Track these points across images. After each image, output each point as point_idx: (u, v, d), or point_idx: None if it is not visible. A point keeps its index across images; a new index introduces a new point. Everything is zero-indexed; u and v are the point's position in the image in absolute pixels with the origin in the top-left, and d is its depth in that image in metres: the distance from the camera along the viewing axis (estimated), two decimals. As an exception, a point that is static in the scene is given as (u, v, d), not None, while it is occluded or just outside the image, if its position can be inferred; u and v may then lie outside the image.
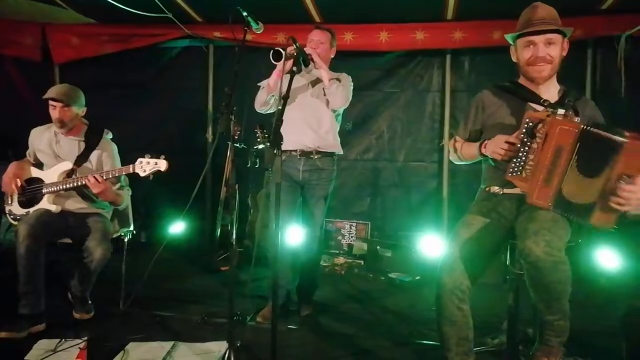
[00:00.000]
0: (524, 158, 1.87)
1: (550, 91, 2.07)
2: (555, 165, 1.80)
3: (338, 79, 2.78)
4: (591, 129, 1.77)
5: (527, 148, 1.86)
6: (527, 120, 1.86)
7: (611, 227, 1.80)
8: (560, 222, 1.82)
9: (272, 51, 2.56)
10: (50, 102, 2.70)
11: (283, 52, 2.51)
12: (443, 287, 1.91)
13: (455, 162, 2.31)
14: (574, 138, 1.77)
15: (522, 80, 2.12)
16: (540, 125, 1.82)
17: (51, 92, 2.71)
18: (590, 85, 4.14)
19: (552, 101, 2.01)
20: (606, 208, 1.75)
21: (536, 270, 1.71)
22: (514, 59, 2.11)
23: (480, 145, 2.04)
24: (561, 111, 1.85)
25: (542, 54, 1.97)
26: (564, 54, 2.03)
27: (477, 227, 2.01)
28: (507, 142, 1.90)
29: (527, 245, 1.72)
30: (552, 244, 1.70)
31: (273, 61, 2.59)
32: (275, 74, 2.71)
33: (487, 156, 2.03)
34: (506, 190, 2.05)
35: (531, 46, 1.99)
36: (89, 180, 2.54)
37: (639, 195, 1.68)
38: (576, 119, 1.83)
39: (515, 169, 1.89)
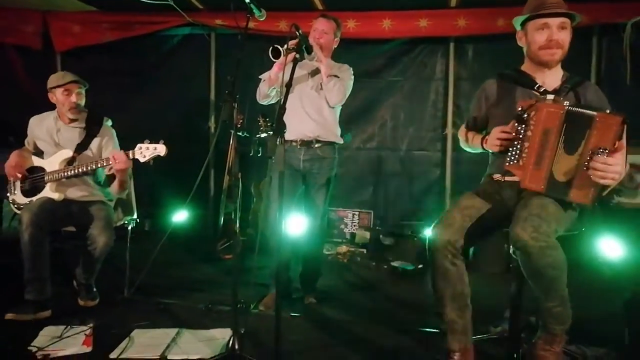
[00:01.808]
0: (519, 146, 1.89)
1: (556, 76, 2.07)
2: (544, 148, 1.83)
3: (336, 75, 2.75)
4: (573, 108, 1.79)
5: (522, 136, 1.88)
6: (519, 108, 1.89)
7: (589, 203, 1.82)
8: (550, 207, 1.82)
9: (270, 49, 2.54)
10: (66, 87, 2.70)
11: (282, 49, 2.49)
12: (437, 241, 1.89)
13: (466, 149, 2.32)
14: (560, 119, 1.80)
15: (526, 66, 2.12)
16: (532, 112, 1.84)
17: (66, 76, 2.73)
18: (596, 73, 4.12)
19: (555, 87, 2.02)
20: (584, 183, 1.78)
21: (526, 256, 1.72)
22: (521, 44, 2.09)
23: (482, 141, 2.07)
24: (550, 97, 1.87)
25: (556, 37, 1.96)
26: (570, 39, 2.02)
27: (480, 199, 2.02)
28: (501, 132, 1.93)
29: (516, 231, 1.73)
30: (539, 230, 1.70)
31: (272, 59, 2.57)
32: (276, 67, 2.68)
33: (486, 149, 2.06)
34: (507, 178, 2.05)
35: (545, 29, 1.97)
36: (114, 158, 2.52)
37: (615, 168, 1.70)
38: (565, 102, 1.83)
39: (513, 158, 1.91)
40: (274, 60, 2.58)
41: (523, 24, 2.04)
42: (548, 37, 1.96)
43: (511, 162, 1.91)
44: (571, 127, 1.80)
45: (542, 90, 1.99)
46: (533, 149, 1.84)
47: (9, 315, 2.43)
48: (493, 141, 1.98)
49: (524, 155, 1.88)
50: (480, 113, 2.20)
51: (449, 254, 1.88)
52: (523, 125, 1.87)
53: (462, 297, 1.91)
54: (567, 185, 1.82)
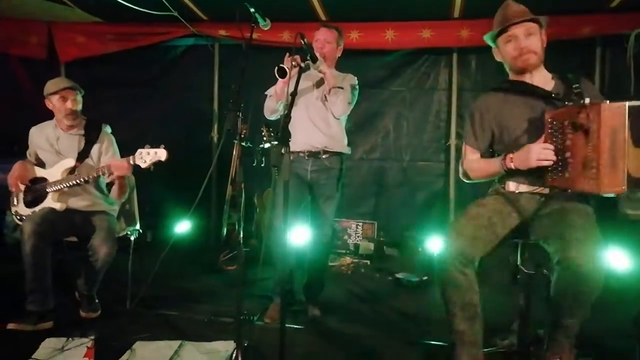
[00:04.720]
0: (561, 158, 1.83)
1: (546, 80, 2.06)
2: (615, 147, 1.73)
3: (341, 87, 2.74)
4: (635, 103, 1.75)
5: (562, 147, 1.82)
6: (550, 119, 1.84)
7: None
8: (595, 227, 1.83)
9: (276, 69, 2.54)
10: (61, 94, 2.70)
11: (287, 69, 2.48)
12: (447, 251, 1.88)
13: (466, 181, 2.22)
14: (625, 116, 1.73)
15: (513, 77, 2.12)
16: (577, 119, 1.76)
17: (60, 83, 2.73)
18: (599, 84, 4.12)
19: (549, 89, 2.01)
20: None
21: (576, 278, 1.69)
22: (499, 59, 2.14)
23: (505, 161, 1.98)
24: (587, 100, 1.81)
25: (524, 44, 2.00)
26: (544, 45, 2.05)
27: (490, 209, 1.99)
28: (546, 148, 1.85)
29: (571, 255, 1.70)
30: (595, 254, 1.70)
31: (279, 78, 2.57)
32: (281, 82, 2.68)
33: (513, 169, 1.97)
34: (522, 189, 2.02)
35: (513, 40, 2.02)
36: (114, 167, 2.52)
37: None
38: (607, 101, 1.79)
39: (556, 172, 1.85)
40: (280, 79, 2.58)
41: (496, 41, 2.09)
42: (517, 46, 2.01)
43: (555, 176, 1.85)
44: (635, 121, 1.73)
45: (560, 96, 1.95)
46: (604, 152, 1.73)
47: (10, 325, 2.41)
48: (540, 156, 1.85)
49: (568, 166, 1.81)
50: (482, 128, 2.13)
51: (459, 263, 1.85)
52: (559, 136, 1.82)
53: (472, 306, 1.88)
54: None
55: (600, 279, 1.69)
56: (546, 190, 1.97)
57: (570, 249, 1.71)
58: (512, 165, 1.96)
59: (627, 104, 1.75)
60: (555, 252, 1.78)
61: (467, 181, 2.23)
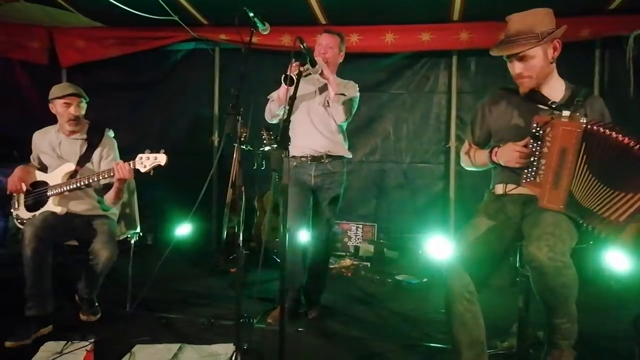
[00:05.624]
0: (535, 163, 1.86)
1: (555, 89, 2.05)
2: (562, 167, 1.78)
3: (344, 94, 2.75)
4: (596, 127, 1.76)
5: (538, 153, 1.85)
6: (535, 124, 1.86)
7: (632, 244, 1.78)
8: (563, 225, 1.80)
9: (283, 77, 2.54)
10: (65, 100, 2.70)
11: (294, 77, 2.49)
12: (451, 290, 1.88)
13: (467, 169, 2.29)
14: (577, 138, 1.76)
15: None
16: (548, 129, 1.81)
17: (66, 89, 2.74)
18: (599, 86, 4.12)
19: (559, 100, 2.00)
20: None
21: (540, 275, 1.69)
22: None
23: (491, 153, 2.04)
24: (566, 112, 1.83)
25: (517, 70, 1.99)
26: (556, 53, 1.99)
27: (484, 228, 1.99)
28: (518, 149, 1.90)
29: (531, 250, 1.70)
30: (555, 249, 1.68)
31: (287, 86, 2.57)
32: (285, 87, 2.69)
33: (498, 163, 2.02)
34: (509, 191, 2.03)
35: (511, 62, 2.01)
36: (118, 168, 2.50)
37: None
38: (582, 119, 1.81)
39: (529, 175, 1.88)
40: (288, 87, 2.59)
41: None
42: (512, 71, 2.02)
43: (528, 179, 1.89)
44: (595, 147, 1.75)
45: (554, 105, 1.95)
46: (550, 168, 1.80)
47: (8, 344, 2.33)
48: (509, 157, 1.94)
49: (540, 172, 1.84)
50: (482, 127, 2.18)
51: (464, 301, 1.86)
52: (539, 142, 1.85)
53: (478, 344, 1.88)
54: (599, 217, 1.75)
55: (567, 273, 1.67)
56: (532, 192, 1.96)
57: (530, 245, 1.72)
58: (495, 159, 2.02)
59: (584, 125, 1.76)
60: (523, 251, 1.79)
61: (468, 168, 2.29)
